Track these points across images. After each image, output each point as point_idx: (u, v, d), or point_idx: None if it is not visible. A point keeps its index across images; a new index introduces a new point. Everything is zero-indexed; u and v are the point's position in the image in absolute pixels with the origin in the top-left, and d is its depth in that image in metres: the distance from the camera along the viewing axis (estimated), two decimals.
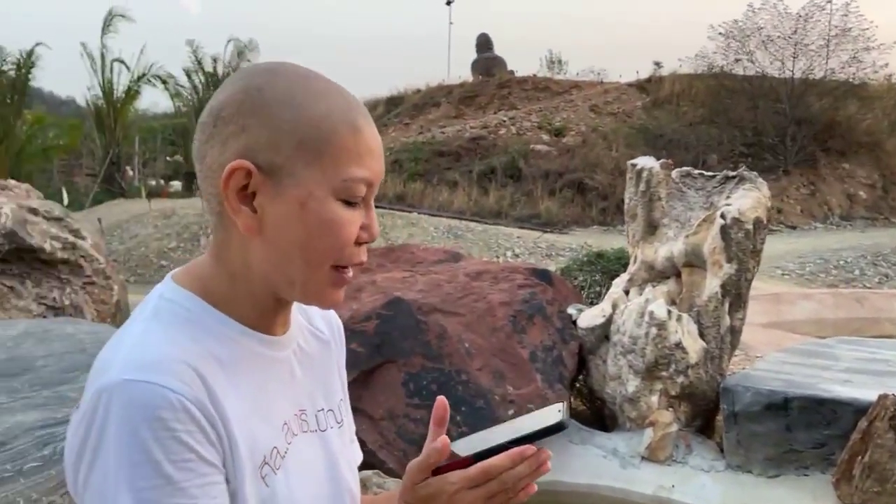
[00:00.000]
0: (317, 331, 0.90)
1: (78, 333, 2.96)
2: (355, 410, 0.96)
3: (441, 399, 0.79)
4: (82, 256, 4.93)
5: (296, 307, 0.84)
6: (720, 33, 18.75)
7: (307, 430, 0.82)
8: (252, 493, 0.72)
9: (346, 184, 0.73)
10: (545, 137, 18.99)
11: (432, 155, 18.03)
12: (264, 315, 0.78)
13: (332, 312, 0.93)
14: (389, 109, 23.30)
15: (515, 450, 0.74)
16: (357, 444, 0.94)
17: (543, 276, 4.43)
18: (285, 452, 0.77)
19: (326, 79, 0.77)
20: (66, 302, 4.81)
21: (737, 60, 18.55)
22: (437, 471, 0.76)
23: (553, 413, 0.77)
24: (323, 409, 0.86)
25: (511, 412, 3.56)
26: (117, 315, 5.08)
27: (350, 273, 0.77)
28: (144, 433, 0.64)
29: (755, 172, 4.09)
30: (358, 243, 0.75)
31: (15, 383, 2.44)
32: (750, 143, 17.81)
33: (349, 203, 0.74)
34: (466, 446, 0.77)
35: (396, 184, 16.06)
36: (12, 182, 5.82)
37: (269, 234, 0.73)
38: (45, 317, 4.54)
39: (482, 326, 3.86)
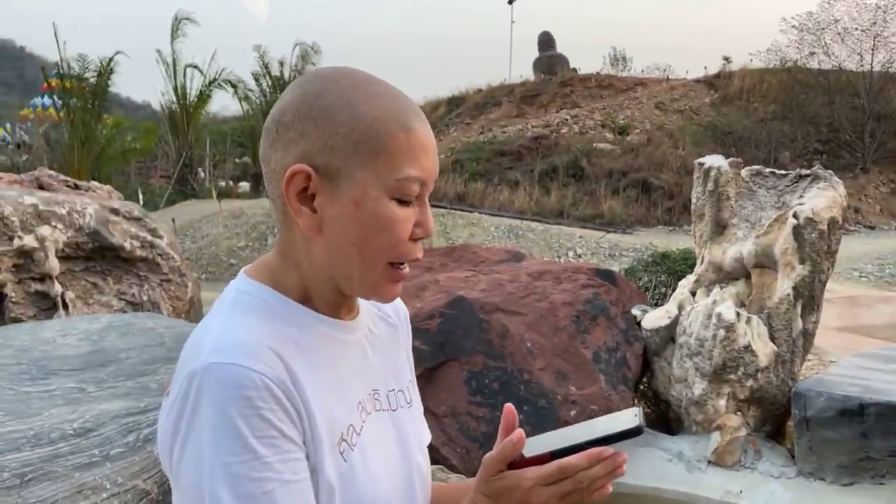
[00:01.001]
0: (385, 315, 0.94)
1: (157, 328, 3.10)
2: None
3: (509, 406, 0.81)
4: (159, 255, 5.15)
5: None
6: (793, 26, 18.12)
7: (380, 408, 0.86)
8: (331, 469, 0.76)
9: (400, 183, 0.76)
10: (609, 136, 18.72)
11: (493, 154, 18.02)
12: (331, 304, 0.82)
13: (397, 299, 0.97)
14: (451, 109, 23.40)
15: (593, 450, 0.75)
16: (426, 424, 0.97)
17: (607, 276, 4.39)
18: (361, 430, 0.80)
19: (381, 82, 0.80)
20: (145, 298, 5.05)
21: (811, 54, 17.89)
22: (513, 465, 0.77)
23: (630, 417, 0.78)
24: (394, 390, 0.89)
25: (573, 413, 3.55)
26: (191, 311, 5.29)
27: (406, 269, 0.80)
28: (232, 411, 0.69)
29: (830, 171, 3.96)
30: (413, 239, 0.79)
31: (101, 374, 2.58)
32: (825, 139, 17.13)
33: (403, 202, 0.77)
34: (541, 443, 0.78)
35: (457, 184, 16.12)
36: (95, 184, 6.14)
37: (328, 233, 0.77)
38: (124, 311, 4.77)
39: (544, 326, 3.86)
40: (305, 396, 0.74)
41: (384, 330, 0.92)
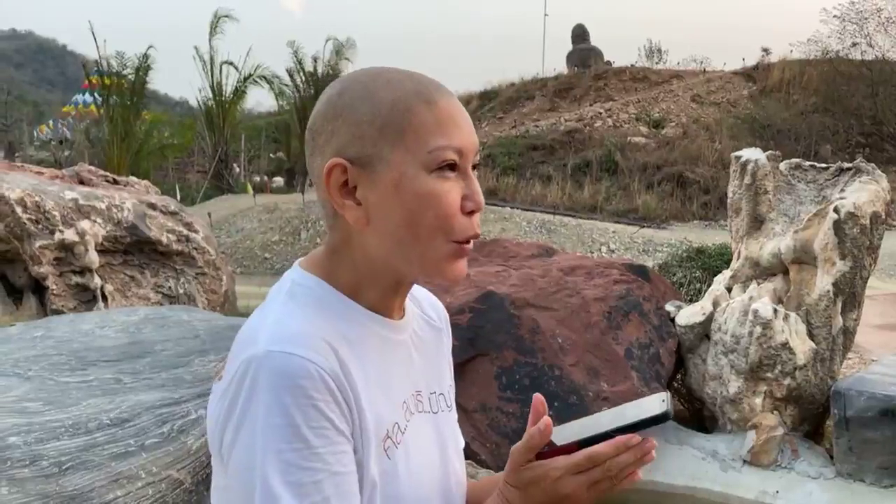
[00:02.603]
0: (429, 318, 0.94)
1: (192, 320, 3.15)
2: None
3: (538, 396, 0.80)
4: (195, 249, 5.24)
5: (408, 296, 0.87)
6: (835, 16, 17.65)
7: (422, 410, 0.86)
8: (375, 465, 0.76)
9: (433, 155, 0.76)
10: (643, 129, 18.48)
11: (525, 149, 17.92)
12: (385, 299, 0.82)
13: (438, 302, 0.97)
14: (483, 104, 23.32)
15: (620, 438, 0.74)
16: (459, 429, 0.97)
17: (640, 271, 4.33)
18: (405, 429, 0.81)
19: (402, 70, 0.81)
20: (181, 291, 5.13)
21: (854, 44, 17.42)
22: (541, 455, 0.76)
23: (657, 403, 0.76)
24: (435, 392, 0.89)
25: (605, 409, 3.52)
26: (226, 303, 5.37)
27: (470, 245, 0.79)
28: (286, 399, 0.70)
29: (873, 164, 3.85)
30: (465, 213, 0.78)
31: (137, 365, 2.64)
32: (868, 132, 16.68)
33: (442, 175, 0.77)
34: (568, 432, 0.77)
35: (489, 178, 16.07)
36: (133, 179, 6.26)
37: (376, 220, 0.78)
38: (161, 304, 4.86)
39: (576, 322, 3.82)
40: (356, 391, 0.75)
41: (428, 332, 0.92)
